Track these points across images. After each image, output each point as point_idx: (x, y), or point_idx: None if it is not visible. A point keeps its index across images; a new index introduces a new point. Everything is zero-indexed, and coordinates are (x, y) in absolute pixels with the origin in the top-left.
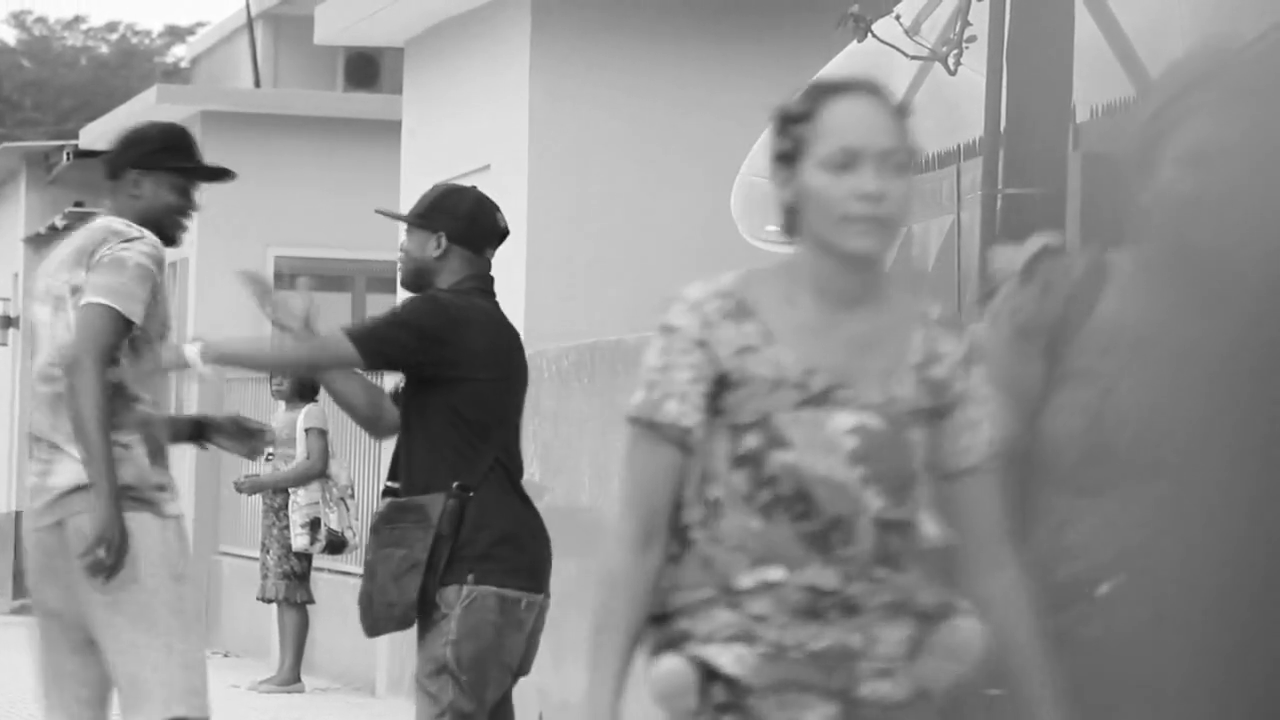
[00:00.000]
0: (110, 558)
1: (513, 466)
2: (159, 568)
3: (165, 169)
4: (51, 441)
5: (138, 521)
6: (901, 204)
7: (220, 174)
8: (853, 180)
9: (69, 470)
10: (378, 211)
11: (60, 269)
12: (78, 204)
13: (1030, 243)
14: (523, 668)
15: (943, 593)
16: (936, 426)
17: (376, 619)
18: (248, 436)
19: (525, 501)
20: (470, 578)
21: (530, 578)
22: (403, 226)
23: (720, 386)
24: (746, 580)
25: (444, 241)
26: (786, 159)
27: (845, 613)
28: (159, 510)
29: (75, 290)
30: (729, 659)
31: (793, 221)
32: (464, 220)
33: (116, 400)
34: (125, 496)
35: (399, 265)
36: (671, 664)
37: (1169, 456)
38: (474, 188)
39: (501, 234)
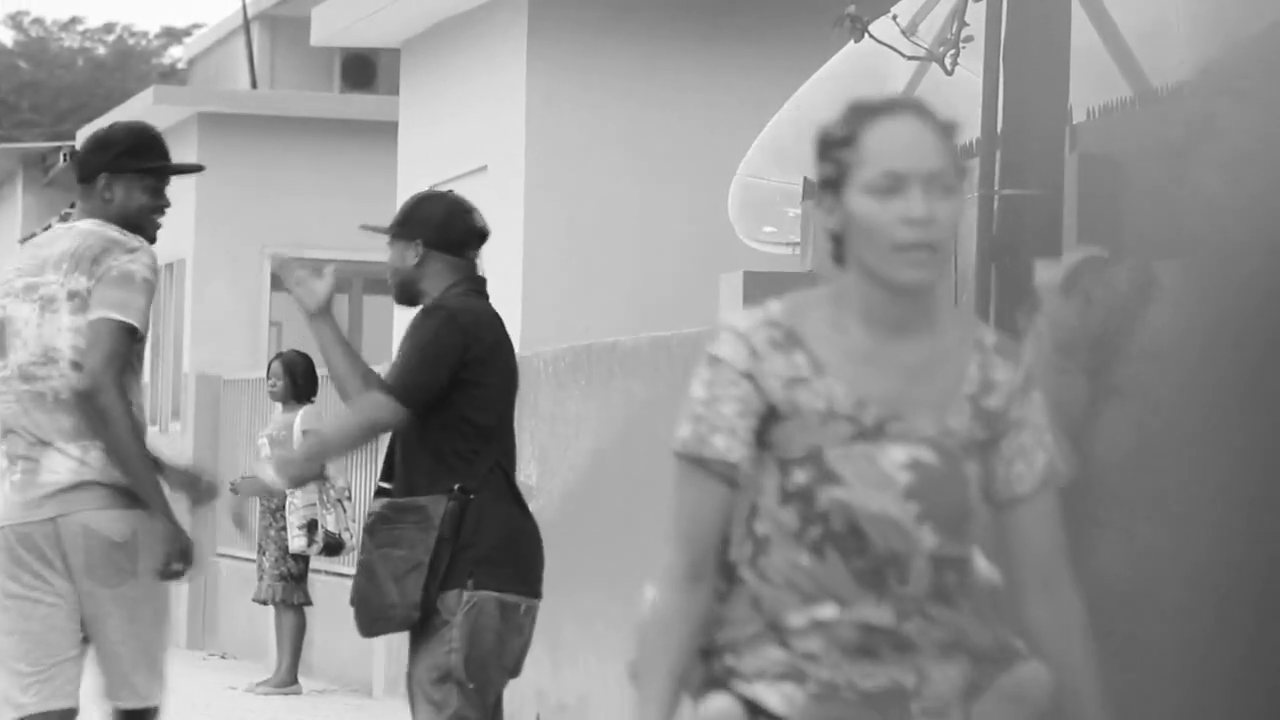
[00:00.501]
0: (183, 565)
1: (510, 469)
2: (149, 563)
3: (134, 171)
4: (38, 438)
5: (137, 519)
6: (951, 227)
7: (190, 169)
8: (900, 205)
9: (64, 467)
10: (363, 227)
11: (50, 270)
12: (74, 205)
13: (1069, 255)
14: (515, 669)
15: (998, 632)
16: (991, 454)
17: (374, 619)
18: (194, 486)
19: (521, 505)
20: (470, 582)
21: (528, 582)
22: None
23: (769, 420)
24: (797, 618)
25: (421, 249)
26: (830, 185)
27: (899, 651)
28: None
29: (73, 295)
30: (777, 699)
31: (840, 249)
32: (438, 226)
33: None
34: (128, 496)
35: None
36: (720, 703)
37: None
38: (449, 192)
39: (480, 234)
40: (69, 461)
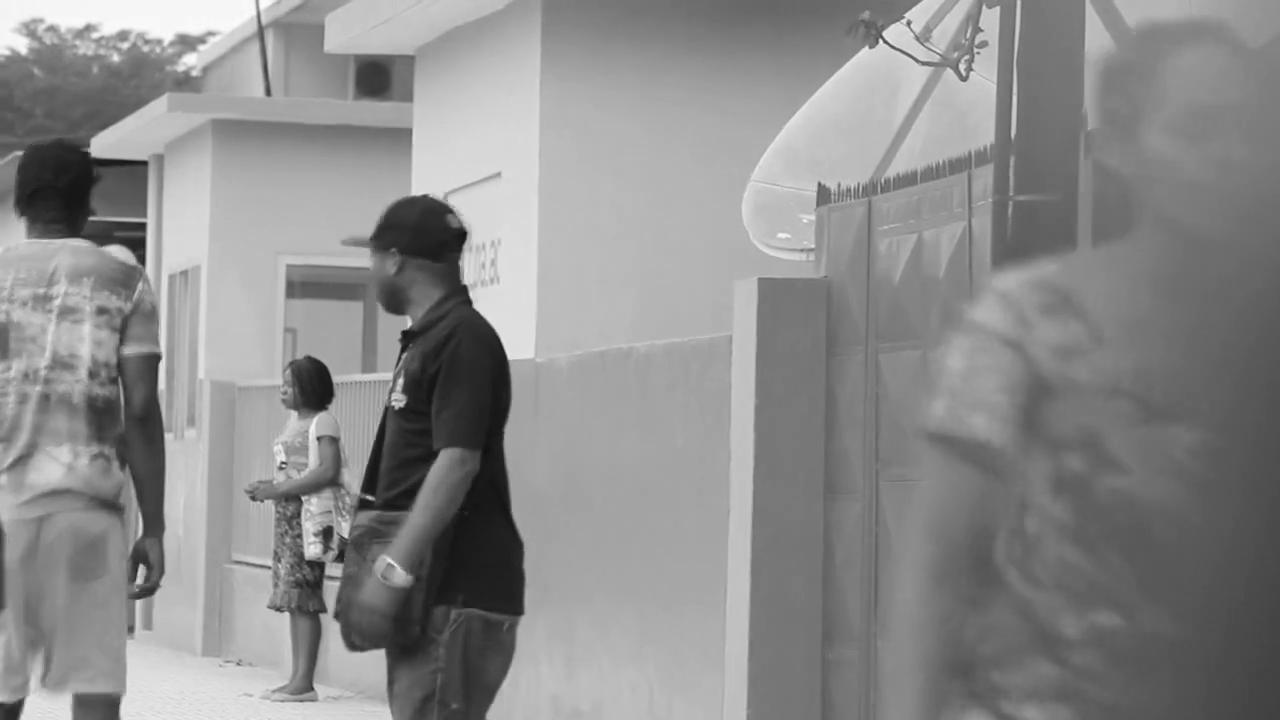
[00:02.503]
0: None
1: (502, 485)
2: (120, 562)
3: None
4: (33, 440)
5: (112, 524)
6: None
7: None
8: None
9: (52, 471)
10: (345, 242)
11: (63, 283)
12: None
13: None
14: (497, 687)
15: None
16: None
17: (364, 634)
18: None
19: (510, 520)
20: (460, 599)
21: (514, 600)
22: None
23: (1037, 396)
24: (1072, 627)
25: (399, 256)
26: (1119, 121)
27: None
28: (123, 513)
29: (102, 311)
30: None
31: (1124, 198)
32: (411, 230)
33: (107, 416)
34: (106, 505)
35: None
36: None
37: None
38: (425, 196)
39: (459, 235)
40: (57, 467)
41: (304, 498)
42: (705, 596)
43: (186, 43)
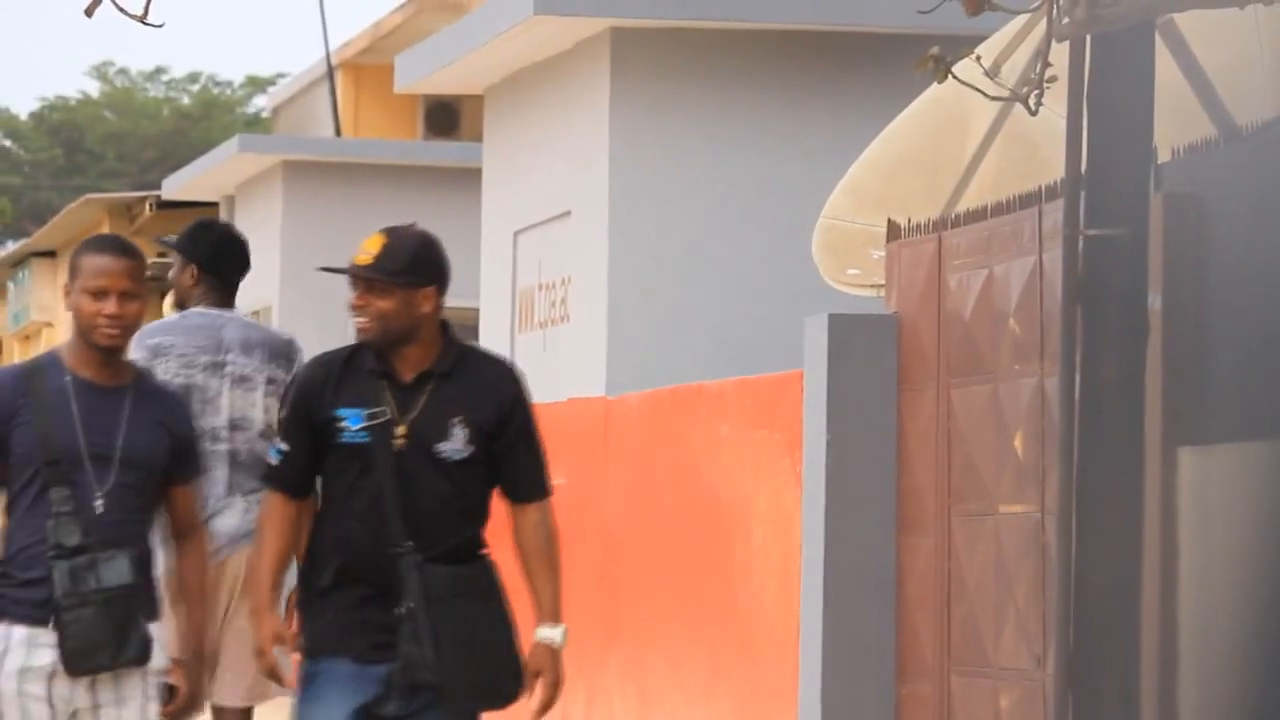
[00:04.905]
0: None
1: None
2: None
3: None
4: (219, 493)
5: None
6: None
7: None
8: None
9: (230, 519)
10: (326, 270)
11: (236, 353)
12: (160, 255)
13: None
14: None
15: None
16: None
17: (507, 697)
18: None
19: None
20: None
21: None
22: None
23: None
24: None
25: (436, 296)
26: None
27: None
28: None
29: (271, 380)
30: None
31: None
32: (446, 268)
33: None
34: None
35: (373, 322)
36: None
37: None
38: (418, 227)
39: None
40: (235, 515)
41: None
42: (777, 633)
43: (256, 84)
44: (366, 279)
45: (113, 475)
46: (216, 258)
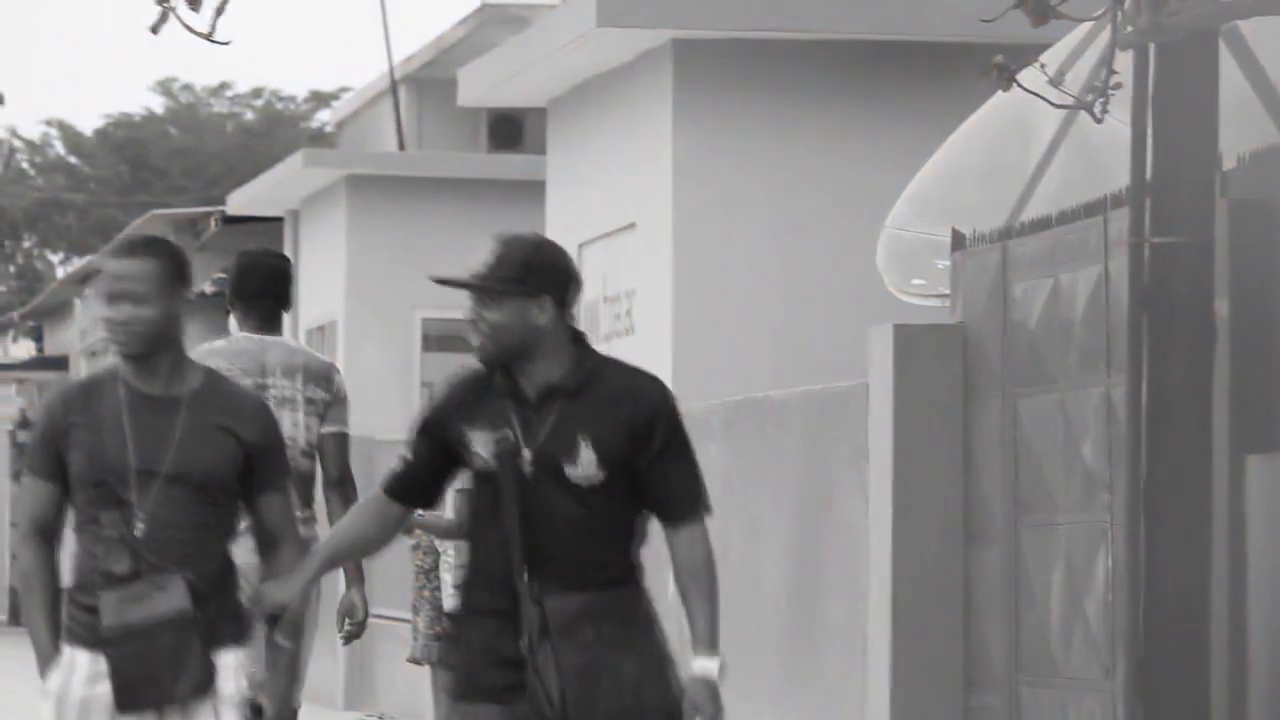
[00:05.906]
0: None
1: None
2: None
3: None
4: None
5: None
6: None
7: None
8: None
9: None
10: (438, 281)
11: (278, 376)
12: (226, 270)
13: None
14: None
15: None
16: None
17: None
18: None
19: None
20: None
21: None
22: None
23: None
24: None
25: (553, 306)
26: None
27: None
28: None
29: (311, 401)
30: None
31: None
32: (566, 276)
33: (309, 485)
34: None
35: (485, 337)
36: None
37: None
38: (545, 238)
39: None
40: None
41: (441, 550)
42: (846, 644)
43: (320, 99)
44: (476, 289)
45: (158, 492)
46: (238, 287)
